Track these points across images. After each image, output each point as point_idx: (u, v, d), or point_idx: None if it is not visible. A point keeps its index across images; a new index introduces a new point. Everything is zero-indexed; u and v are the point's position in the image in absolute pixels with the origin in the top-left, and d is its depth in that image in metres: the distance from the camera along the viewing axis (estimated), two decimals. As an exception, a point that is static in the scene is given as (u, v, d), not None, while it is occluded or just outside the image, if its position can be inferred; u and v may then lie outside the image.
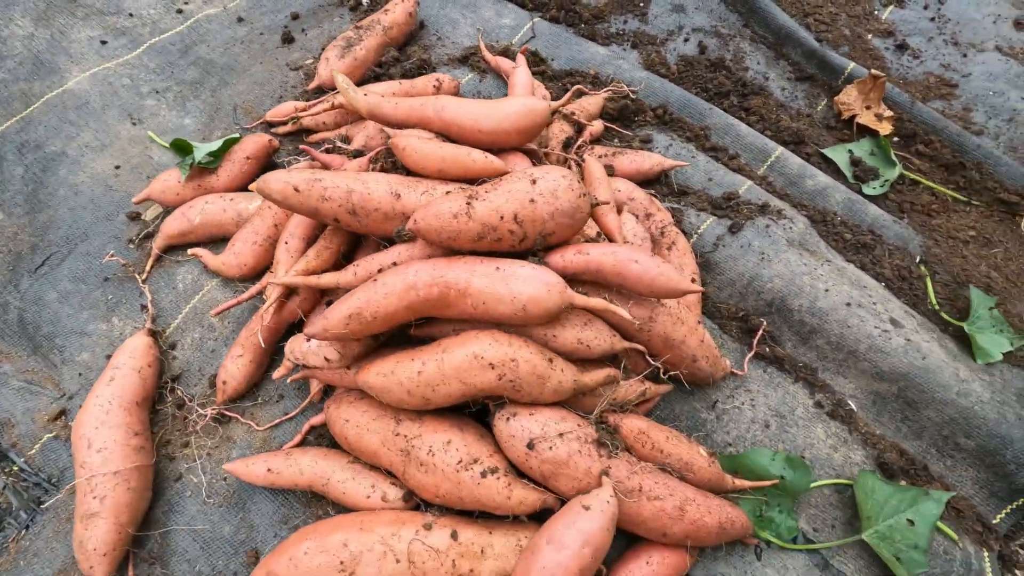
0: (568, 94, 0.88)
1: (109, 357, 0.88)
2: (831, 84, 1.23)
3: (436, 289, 0.71)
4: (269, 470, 0.77)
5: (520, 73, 0.98)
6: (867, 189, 1.11)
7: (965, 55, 1.31)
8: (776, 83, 1.25)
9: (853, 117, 1.17)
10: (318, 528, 0.71)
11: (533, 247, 0.73)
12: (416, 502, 0.75)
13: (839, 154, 1.15)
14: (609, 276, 0.75)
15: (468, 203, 0.69)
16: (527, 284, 0.70)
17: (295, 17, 1.30)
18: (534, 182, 0.72)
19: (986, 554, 0.80)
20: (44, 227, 1.00)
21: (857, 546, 0.79)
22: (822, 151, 1.15)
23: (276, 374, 0.82)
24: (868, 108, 1.17)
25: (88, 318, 0.93)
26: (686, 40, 1.29)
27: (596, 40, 1.30)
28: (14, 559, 0.77)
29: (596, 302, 0.73)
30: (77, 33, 1.22)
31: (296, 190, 0.75)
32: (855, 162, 1.14)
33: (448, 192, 0.77)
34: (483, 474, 0.70)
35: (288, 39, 1.25)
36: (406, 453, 0.73)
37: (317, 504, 0.80)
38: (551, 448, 0.70)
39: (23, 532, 0.78)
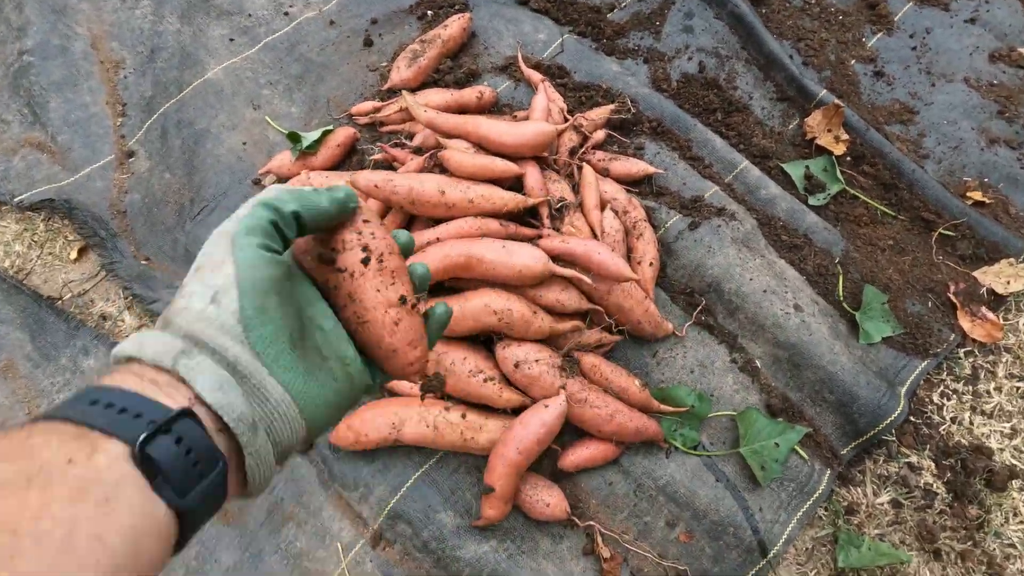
0: (568, 123, 1.20)
1: (245, 282, 1.30)
2: (804, 107, 1.48)
3: (463, 258, 1.08)
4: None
5: (539, 99, 1.30)
6: (812, 200, 1.39)
7: (933, 84, 1.52)
8: (759, 103, 1.51)
9: (814, 138, 1.43)
10: (379, 404, 1.13)
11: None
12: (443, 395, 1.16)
13: (796, 169, 1.42)
14: (579, 260, 1.10)
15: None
16: (522, 256, 1.07)
17: (374, 22, 1.63)
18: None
19: (828, 471, 1.15)
20: (198, 186, 1.42)
21: (737, 457, 1.16)
22: (782, 165, 1.43)
23: (355, 304, 1.23)
24: (829, 131, 1.43)
25: (229, 254, 1.35)
26: (690, 59, 1.55)
27: (615, 54, 1.58)
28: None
29: (568, 272, 1.09)
30: (212, 31, 1.60)
31: (376, 186, 1.12)
32: (808, 177, 1.41)
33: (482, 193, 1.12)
34: (485, 380, 1.10)
35: (368, 43, 1.59)
36: (436, 363, 1.13)
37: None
38: (529, 368, 1.09)
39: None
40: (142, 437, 0.33)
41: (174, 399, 0.37)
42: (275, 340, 0.41)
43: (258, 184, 1.43)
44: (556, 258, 1.12)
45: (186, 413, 0.36)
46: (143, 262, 1.37)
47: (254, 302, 0.41)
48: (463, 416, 1.10)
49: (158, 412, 0.35)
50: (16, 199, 1.39)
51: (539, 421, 1.04)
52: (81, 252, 1.38)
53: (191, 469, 0.35)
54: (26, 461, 0.30)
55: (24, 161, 1.44)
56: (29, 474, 0.30)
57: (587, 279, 1.08)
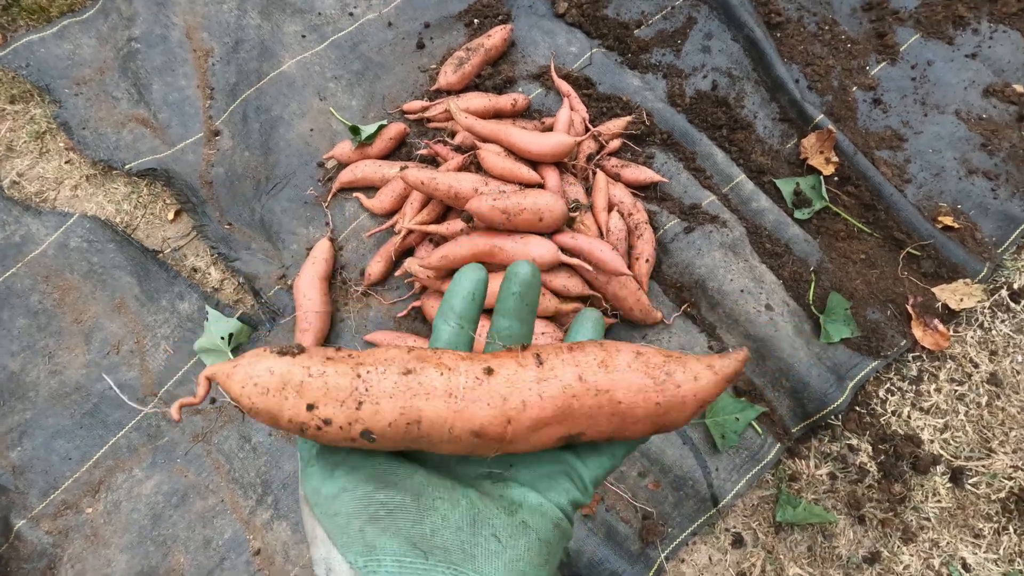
0: (587, 135, 1.42)
1: (309, 249, 1.57)
2: (803, 129, 1.65)
3: (488, 247, 1.32)
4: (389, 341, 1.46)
5: (563, 112, 1.51)
6: (798, 214, 1.58)
7: (926, 115, 1.67)
8: (762, 122, 1.69)
9: (806, 158, 1.61)
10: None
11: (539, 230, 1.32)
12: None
13: (787, 185, 1.61)
14: (586, 254, 1.34)
15: (495, 198, 1.28)
16: (537, 247, 1.30)
17: (427, 26, 1.84)
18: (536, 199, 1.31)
19: (779, 444, 1.39)
20: (272, 166, 1.68)
21: (702, 426, 1.40)
22: (775, 181, 1.61)
23: (398, 272, 1.49)
24: (821, 153, 1.60)
25: (296, 225, 1.62)
26: (704, 77, 1.73)
27: (638, 69, 1.76)
28: (264, 344, 1.53)
29: (574, 260, 1.32)
30: (287, 27, 1.84)
31: (422, 182, 1.36)
32: (797, 193, 1.60)
33: (502, 191, 1.35)
34: (499, 346, 1.36)
35: (421, 45, 1.81)
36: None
37: (411, 348, 1.49)
38: (535, 339, 1.34)
39: (268, 334, 1.53)
40: None
41: None
42: (401, 567, 0.39)
43: (321, 166, 1.69)
44: (565, 251, 1.36)
45: None
46: (226, 227, 1.65)
47: (358, 550, 0.39)
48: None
49: None
50: (127, 166, 1.67)
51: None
52: (177, 214, 1.67)
53: None
54: None
55: (132, 134, 1.72)
56: None
57: (590, 268, 1.32)
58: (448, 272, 1.41)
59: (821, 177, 1.59)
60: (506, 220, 1.30)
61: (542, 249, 1.31)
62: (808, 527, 1.35)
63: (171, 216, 1.67)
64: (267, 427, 1.44)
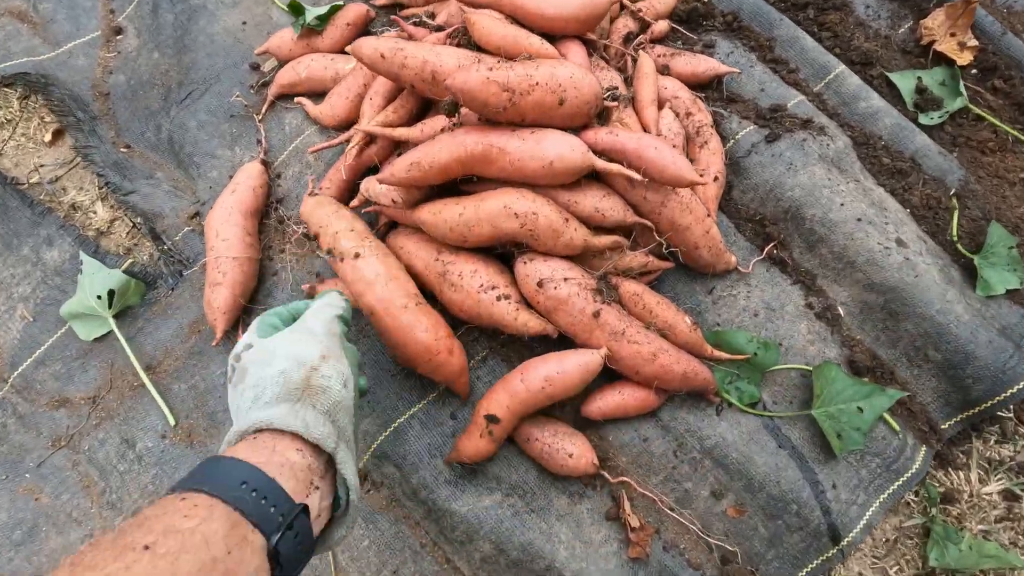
0: (628, -10, 0.96)
1: (232, 176, 1.12)
2: (921, 5, 1.19)
3: (480, 147, 0.86)
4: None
5: (591, -35, 1.05)
6: (923, 118, 1.12)
7: (1092, -14, 1.20)
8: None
9: (932, 43, 1.15)
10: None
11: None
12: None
13: (906, 80, 1.14)
14: (630, 157, 0.87)
15: (491, 68, 0.82)
16: (555, 145, 0.84)
17: None
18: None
19: (924, 448, 0.91)
20: (188, 67, 1.23)
21: (805, 420, 0.93)
22: (889, 75, 1.15)
23: (352, 204, 1.03)
24: (952, 35, 1.14)
25: (217, 145, 1.17)
26: (779, -56, 1.27)
27: (686, -63, 1.30)
28: (164, 309, 1.07)
29: (613, 166, 0.86)
30: None
31: (382, 56, 0.90)
32: (920, 90, 1.13)
33: (502, 62, 0.89)
34: (498, 298, 0.89)
35: (394, -87, 1.35)
36: (442, 275, 0.92)
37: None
38: (555, 288, 0.87)
39: (170, 292, 1.08)
40: (277, 537, 0.48)
41: (301, 486, 0.54)
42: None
43: (256, 69, 1.23)
44: (599, 153, 0.89)
45: (303, 509, 0.52)
46: (122, 150, 1.20)
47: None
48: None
49: (288, 506, 0.50)
50: (-12, 70, 1.23)
51: (581, 364, 0.84)
52: (56, 135, 1.22)
53: (300, 556, 0.51)
54: (202, 548, 0.43)
55: (2, 31, 1.28)
56: (202, 561, 0.42)
57: (637, 176, 0.85)
58: (424, 193, 0.95)
59: (957, 68, 1.12)
60: (508, 103, 0.84)
61: (563, 148, 0.85)
62: (979, 575, 0.88)
63: (48, 137, 1.22)
64: (159, 428, 0.98)
